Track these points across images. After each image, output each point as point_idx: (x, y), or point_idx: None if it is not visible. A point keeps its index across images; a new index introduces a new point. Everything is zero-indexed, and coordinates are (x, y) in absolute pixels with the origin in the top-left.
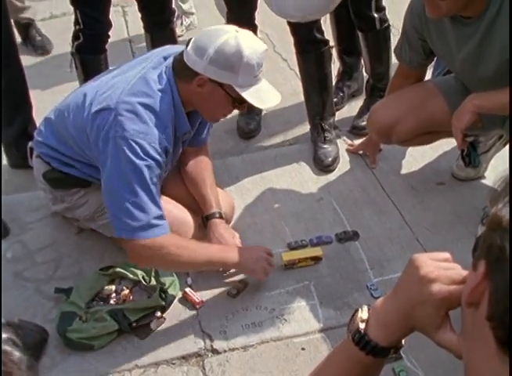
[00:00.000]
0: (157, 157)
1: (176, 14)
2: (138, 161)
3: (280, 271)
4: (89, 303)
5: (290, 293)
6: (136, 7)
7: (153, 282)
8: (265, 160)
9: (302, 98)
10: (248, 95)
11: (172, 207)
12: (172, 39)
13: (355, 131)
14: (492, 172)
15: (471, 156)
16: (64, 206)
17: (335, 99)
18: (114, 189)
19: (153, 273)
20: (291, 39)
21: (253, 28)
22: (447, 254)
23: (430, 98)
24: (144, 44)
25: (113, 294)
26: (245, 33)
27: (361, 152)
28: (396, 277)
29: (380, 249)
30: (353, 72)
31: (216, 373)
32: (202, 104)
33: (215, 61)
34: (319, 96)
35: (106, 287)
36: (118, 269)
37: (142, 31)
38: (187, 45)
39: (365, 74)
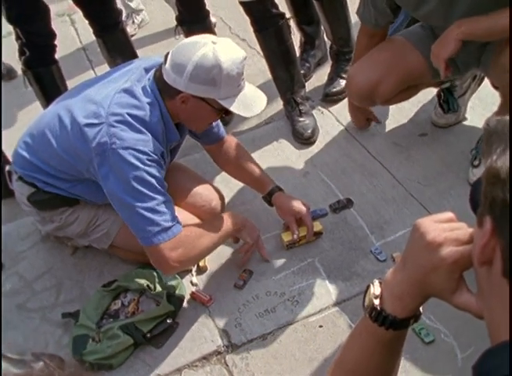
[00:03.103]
0: (159, 160)
1: (126, 13)
2: (144, 167)
3: (283, 252)
4: (99, 322)
5: (297, 273)
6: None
7: (159, 288)
8: (244, 144)
9: (269, 76)
10: (233, 106)
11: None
12: (125, 40)
13: (328, 98)
14: (471, 114)
15: (449, 101)
16: (54, 226)
17: (302, 71)
18: (126, 201)
19: (156, 279)
20: (246, 18)
21: (205, 13)
22: (450, 214)
23: (404, 53)
24: (99, 50)
25: (121, 309)
26: (222, 43)
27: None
28: (398, 237)
29: (377, 212)
30: (315, 41)
31: (240, 367)
32: (188, 118)
33: (195, 77)
34: (286, 71)
35: (113, 303)
36: (121, 283)
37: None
38: (165, 61)
39: (327, 40)
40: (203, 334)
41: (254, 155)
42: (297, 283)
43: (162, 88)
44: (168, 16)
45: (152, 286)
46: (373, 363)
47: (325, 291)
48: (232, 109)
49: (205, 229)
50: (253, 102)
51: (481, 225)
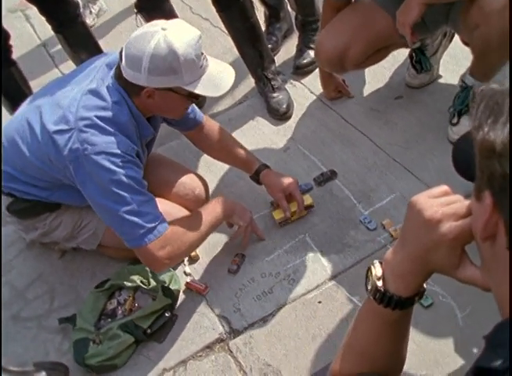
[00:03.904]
0: (135, 160)
1: (82, 4)
2: (120, 170)
3: (273, 232)
4: (97, 324)
5: (289, 251)
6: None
7: (153, 283)
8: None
9: (236, 54)
10: (200, 89)
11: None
12: (86, 33)
13: (299, 71)
14: (445, 72)
15: (421, 61)
16: (38, 232)
17: (270, 46)
18: (106, 206)
19: (149, 274)
20: None
21: None
22: (444, 187)
23: (371, 14)
24: (60, 45)
25: (118, 307)
26: (173, 27)
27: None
28: (385, 203)
29: (362, 181)
30: (279, 13)
31: (244, 352)
32: (159, 110)
33: (154, 70)
34: (253, 48)
35: (108, 303)
36: (114, 281)
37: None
38: (120, 58)
39: (291, 10)
40: (203, 324)
41: (235, 134)
42: (291, 262)
43: (125, 87)
44: (126, 1)
45: (146, 281)
46: (382, 344)
47: (319, 266)
48: (201, 92)
49: (192, 221)
50: (220, 79)
51: (479, 199)
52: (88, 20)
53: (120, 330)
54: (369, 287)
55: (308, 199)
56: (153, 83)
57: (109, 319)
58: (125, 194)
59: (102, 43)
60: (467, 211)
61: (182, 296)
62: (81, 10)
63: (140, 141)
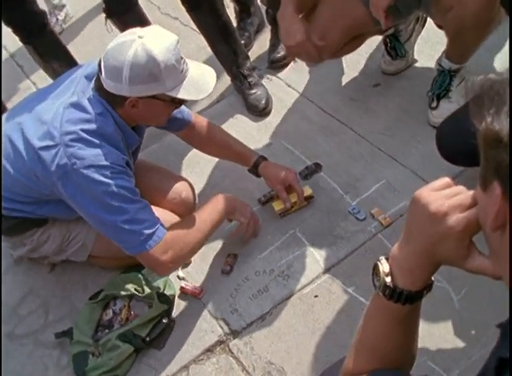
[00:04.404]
0: (125, 169)
1: (48, 11)
2: (112, 181)
3: (263, 229)
4: (95, 336)
5: (281, 247)
6: None
7: (147, 290)
8: None
9: (210, 52)
10: (183, 93)
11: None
12: (55, 41)
13: (274, 65)
14: (420, 56)
15: (396, 47)
16: (27, 248)
17: (243, 41)
18: (102, 217)
19: (143, 281)
20: None
21: (133, 0)
22: (446, 179)
23: (344, 4)
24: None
25: (114, 317)
26: (149, 34)
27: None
28: (372, 192)
29: (347, 171)
30: (249, 8)
31: (245, 352)
32: (144, 119)
33: (135, 79)
34: (227, 45)
35: (104, 314)
36: (107, 291)
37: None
38: (100, 70)
39: (261, 4)
40: (201, 327)
41: None
42: (284, 258)
43: (107, 98)
44: (92, 3)
45: (140, 289)
46: (393, 339)
47: (313, 260)
48: (184, 96)
49: (192, 222)
50: (202, 82)
51: (486, 190)
52: (56, 28)
53: (119, 340)
54: (378, 284)
55: (307, 190)
56: (136, 92)
57: (107, 330)
58: (120, 205)
59: (71, 49)
60: (472, 202)
61: (177, 301)
62: (48, 17)
63: (127, 150)
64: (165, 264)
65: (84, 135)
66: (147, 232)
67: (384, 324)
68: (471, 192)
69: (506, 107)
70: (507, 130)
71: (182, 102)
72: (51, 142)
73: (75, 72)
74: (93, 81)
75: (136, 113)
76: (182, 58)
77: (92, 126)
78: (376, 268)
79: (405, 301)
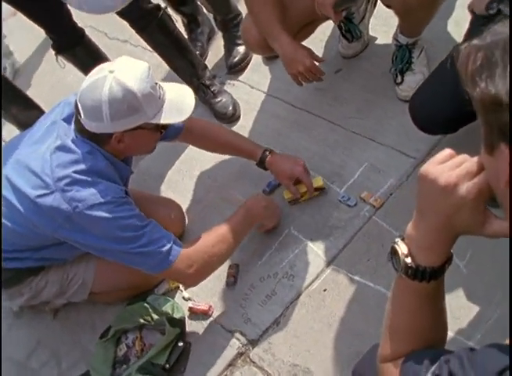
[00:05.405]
0: (127, 199)
1: None
2: (118, 215)
3: (258, 234)
4: (114, 374)
5: (280, 249)
6: None
7: (156, 317)
8: (175, 145)
9: (166, 69)
10: (167, 118)
11: None
12: (10, 87)
13: (233, 69)
14: (375, 35)
15: (351, 30)
16: (26, 297)
17: (197, 52)
18: (118, 249)
19: (150, 310)
20: (119, 20)
21: (79, 32)
22: (448, 150)
23: None
24: None
25: (129, 351)
26: (119, 66)
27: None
28: (358, 177)
29: (328, 161)
30: (197, 18)
31: (268, 360)
32: (133, 150)
33: (116, 115)
34: (183, 59)
35: (118, 349)
36: (116, 327)
37: None
38: (78, 112)
39: (208, 13)
40: (218, 343)
41: (188, 152)
42: (285, 258)
43: (92, 138)
44: (37, 42)
45: (148, 317)
46: (424, 317)
47: (314, 255)
48: (168, 121)
49: (217, 235)
50: (181, 102)
51: (492, 153)
52: (7, 75)
53: (139, 373)
54: (399, 266)
55: (318, 181)
56: (119, 127)
57: (125, 366)
58: (132, 234)
59: (29, 92)
60: (479, 167)
61: (188, 322)
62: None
63: (122, 181)
64: (192, 277)
65: (79, 177)
66: (165, 249)
67: (412, 305)
68: (476, 158)
69: (499, 69)
70: (506, 91)
71: (166, 126)
72: (46, 191)
73: (50, 116)
74: (73, 124)
75: (124, 148)
76: (156, 83)
77: (84, 166)
78: (393, 250)
79: (430, 278)
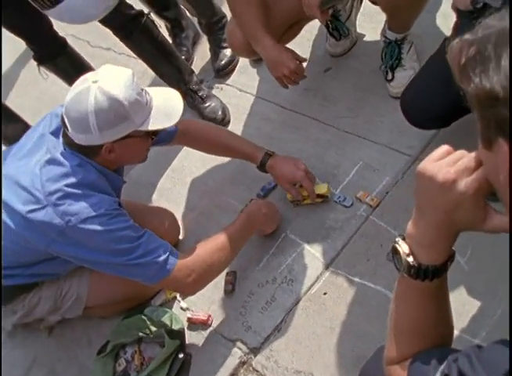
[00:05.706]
0: (120, 210)
1: None
2: (112, 227)
3: (254, 239)
4: None
5: (277, 253)
6: None
7: (154, 329)
8: (165, 152)
9: (152, 75)
10: (155, 124)
11: None
12: None
13: (220, 73)
14: (363, 32)
15: (338, 28)
16: (19, 315)
17: (183, 57)
18: (114, 261)
19: (148, 322)
20: (101, 28)
21: (61, 41)
22: (445, 147)
23: None
24: None
25: (128, 366)
26: (103, 75)
27: None
28: (353, 176)
29: (322, 162)
30: (181, 22)
31: (270, 367)
32: (124, 160)
33: (104, 125)
34: (169, 65)
35: (117, 365)
36: (114, 342)
37: None
38: (65, 126)
39: (192, 16)
40: (219, 353)
41: (179, 158)
42: (283, 263)
43: (81, 151)
44: (17, 53)
45: (146, 331)
46: (429, 316)
47: (312, 258)
48: (157, 127)
49: (215, 243)
50: (169, 107)
51: (490, 148)
52: None
53: None
54: (401, 266)
55: (322, 188)
56: (109, 137)
57: None
58: (128, 245)
59: (10, 105)
60: (477, 163)
61: (188, 333)
62: None
63: (115, 192)
64: (191, 286)
65: (70, 190)
66: (162, 258)
67: (416, 304)
68: (473, 154)
69: (493, 63)
70: (501, 85)
71: (156, 132)
72: (37, 206)
73: (39, 128)
74: (61, 137)
75: (115, 158)
76: (142, 90)
77: (75, 179)
78: (394, 250)
79: (433, 276)
